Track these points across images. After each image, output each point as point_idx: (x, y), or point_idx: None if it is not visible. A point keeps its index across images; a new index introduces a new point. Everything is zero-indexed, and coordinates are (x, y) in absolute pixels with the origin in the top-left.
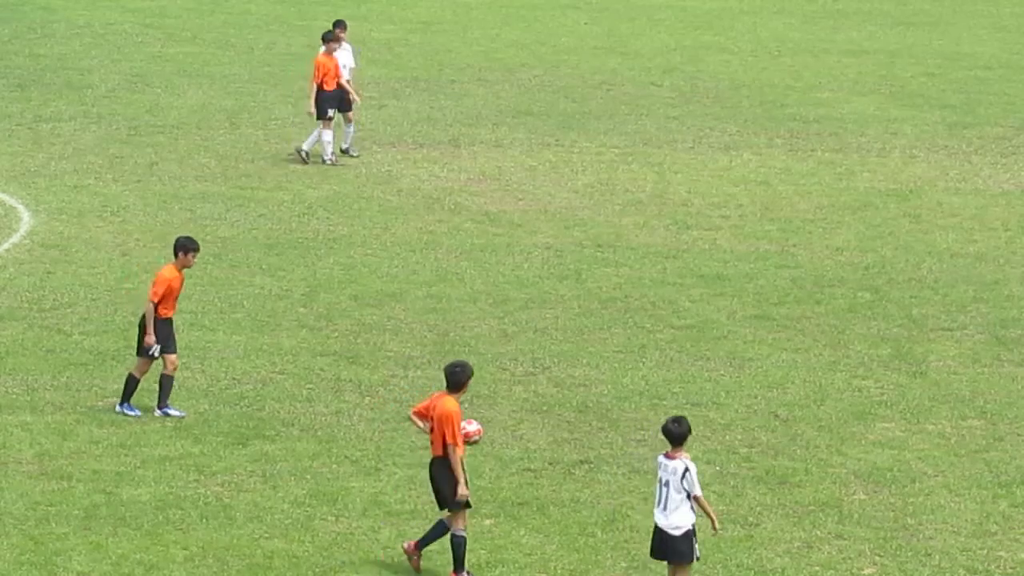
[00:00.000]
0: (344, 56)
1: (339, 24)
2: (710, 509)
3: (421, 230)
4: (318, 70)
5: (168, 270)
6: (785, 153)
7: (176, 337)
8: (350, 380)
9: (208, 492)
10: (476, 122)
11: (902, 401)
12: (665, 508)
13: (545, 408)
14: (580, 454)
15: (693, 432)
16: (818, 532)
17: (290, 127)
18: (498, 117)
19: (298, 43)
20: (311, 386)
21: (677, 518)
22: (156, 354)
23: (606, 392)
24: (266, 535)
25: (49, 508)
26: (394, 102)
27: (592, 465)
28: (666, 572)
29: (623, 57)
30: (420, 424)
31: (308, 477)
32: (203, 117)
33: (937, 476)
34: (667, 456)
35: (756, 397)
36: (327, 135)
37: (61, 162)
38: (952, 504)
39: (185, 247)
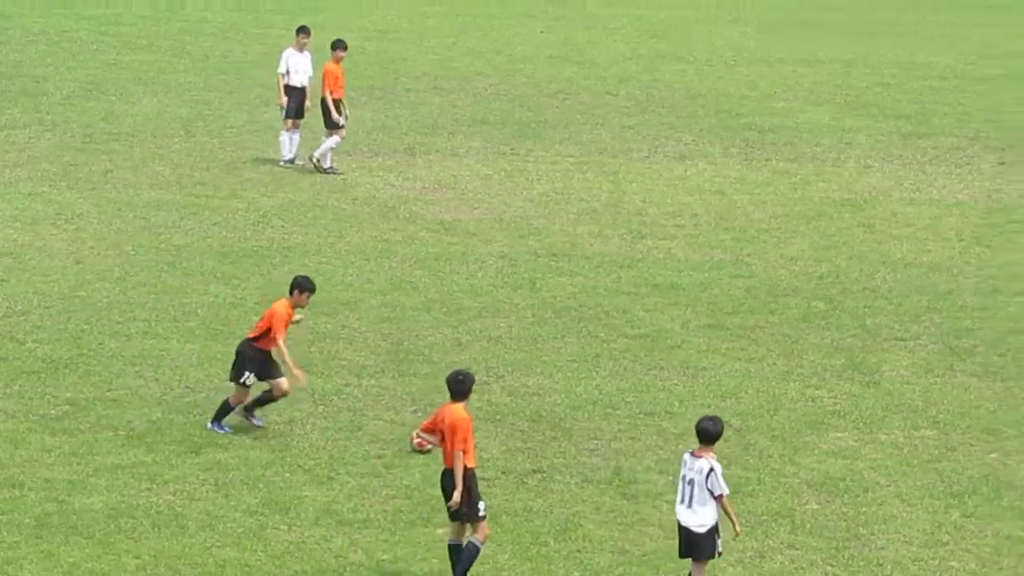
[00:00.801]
0: (304, 62)
1: (303, 30)
2: (732, 511)
3: (376, 239)
4: (327, 78)
5: (282, 305)
6: (740, 163)
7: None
8: (303, 389)
9: (160, 501)
10: (432, 131)
11: (855, 411)
12: (690, 505)
13: (498, 417)
14: (533, 463)
15: (646, 442)
16: (770, 542)
17: (245, 135)
18: (454, 126)
19: (254, 51)
20: None
21: (702, 515)
22: (249, 383)
23: (559, 401)
24: (218, 544)
25: (0, 517)
26: (350, 110)
27: (545, 474)
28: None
29: (579, 66)
30: (431, 440)
31: (261, 486)
32: (158, 125)
33: (889, 486)
34: (693, 454)
35: (709, 407)
36: (331, 142)
37: (15, 169)
38: (904, 514)
39: (301, 286)
